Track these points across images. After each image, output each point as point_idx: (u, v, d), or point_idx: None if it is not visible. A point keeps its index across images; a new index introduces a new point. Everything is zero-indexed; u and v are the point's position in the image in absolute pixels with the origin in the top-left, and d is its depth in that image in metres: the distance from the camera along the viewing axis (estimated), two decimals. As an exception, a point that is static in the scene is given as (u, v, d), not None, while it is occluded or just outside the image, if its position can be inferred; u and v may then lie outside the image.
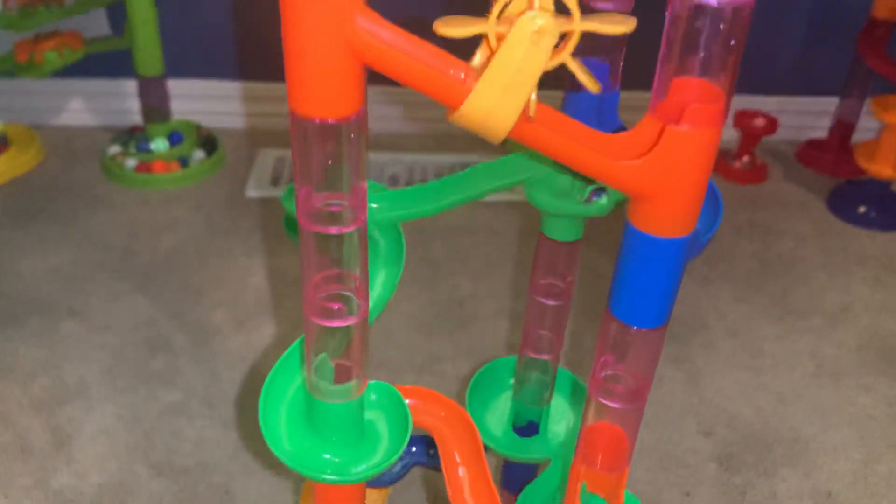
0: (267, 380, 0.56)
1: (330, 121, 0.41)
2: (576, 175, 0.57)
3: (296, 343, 0.58)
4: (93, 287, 1.30)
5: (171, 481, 1.00)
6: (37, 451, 1.02)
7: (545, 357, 0.70)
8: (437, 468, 0.79)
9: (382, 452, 0.54)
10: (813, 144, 1.74)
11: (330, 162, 0.42)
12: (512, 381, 0.77)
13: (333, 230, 0.45)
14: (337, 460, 0.53)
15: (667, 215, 0.43)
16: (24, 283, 1.30)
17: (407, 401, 0.57)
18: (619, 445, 0.52)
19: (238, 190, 1.55)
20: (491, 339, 1.22)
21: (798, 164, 1.73)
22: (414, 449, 0.79)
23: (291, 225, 0.51)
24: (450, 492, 0.58)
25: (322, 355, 0.50)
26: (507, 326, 1.25)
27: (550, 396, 0.73)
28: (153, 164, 1.55)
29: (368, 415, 0.55)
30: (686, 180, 0.42)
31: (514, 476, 0.80)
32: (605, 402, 0.50)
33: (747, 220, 1.54)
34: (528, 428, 0.76)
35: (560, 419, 0.76)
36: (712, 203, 0.54)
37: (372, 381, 0.56)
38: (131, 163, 1.55)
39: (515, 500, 0.80)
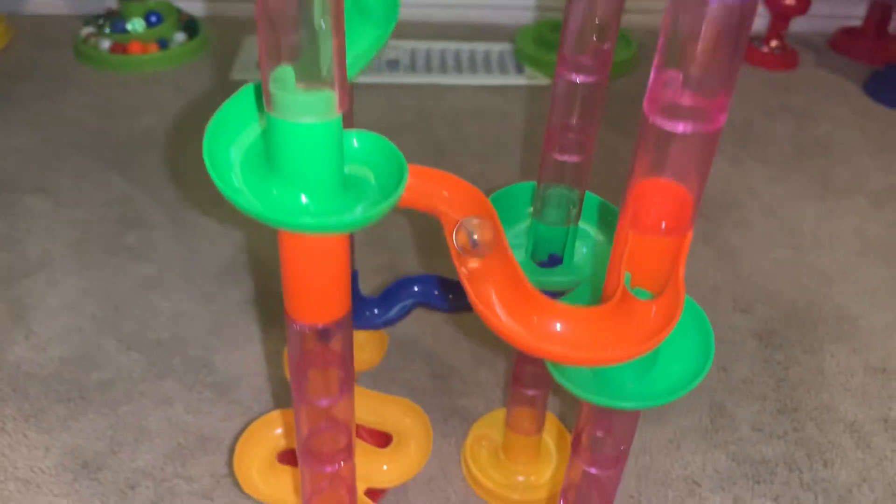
0: (213, 121, 0.43)
1: None
2: None
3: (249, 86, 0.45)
4: (62, 165, 1.17)
5: (141, 355, 0.88)
6: (-9, 324, 0.90)
7: (574, 158, 0.57)
8: (444, 309, 0.67)
9: (373, 200, 0.41)
10: (847, 32, 1.61)
11: None
12: (530, 209, 0.65)
13: None
14: (313, 206, 0.40)
15: None
16: (-16, 161, 1.18)
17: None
18: (681, 200, 0.39)
19: (223, 73, 1.42)
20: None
21: (831, 52, 1.59)
22: (416, 288, 0.67)
23: None
24: (471, 294, 0.46)
25: (285, 67, 0.38)
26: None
27: (578, 214, 0.60)
28: (129, 45, 1.41)
29: (351, 169, 0.43)
30: None
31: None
32: (668, 128, 0.38)
33: (779, 105, 1.41)
34: (549, 262, 0.64)
35: (588, 249, 0.64)
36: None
37: (352, 129, 0.44)
38: (105, 44, 1.41)
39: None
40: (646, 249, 0.40)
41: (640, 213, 0.39)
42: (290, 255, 0.42)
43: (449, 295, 0.67)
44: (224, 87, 1.38)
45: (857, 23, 1.62)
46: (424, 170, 0.47)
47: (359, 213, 0.40)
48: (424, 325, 0.94)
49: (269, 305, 0.95)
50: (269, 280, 0.99)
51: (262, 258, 1.02)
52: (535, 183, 0.64)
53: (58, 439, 0.79)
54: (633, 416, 0.51)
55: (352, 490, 0.54)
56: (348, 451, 0.50)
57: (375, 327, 0.65)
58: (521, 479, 0.77)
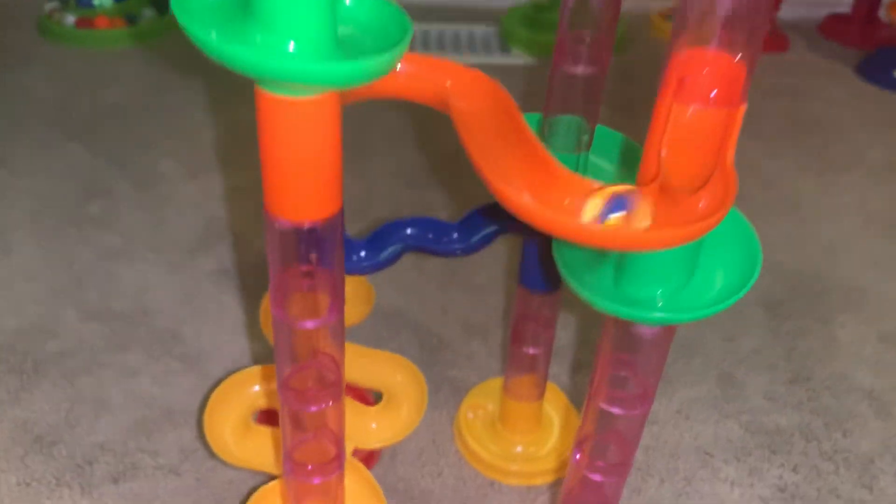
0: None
1: None
2: None
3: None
4: (20, 137, 1.10)
5: (103, 325, 0.81)
6: (-62, 295, 0.83)
7: (587, 70, 0.52)
8: (437, 252, 0.61)
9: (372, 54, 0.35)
10: (836, 18, 1.58)
11: None
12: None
13: None
14: (303, 51, 0.34)
15: None
16: (-63, 133, 1.10)
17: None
18: (731, 71, 0.34)
19: (195, 51, 1.35)
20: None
21: (820, 37, 1.56)
22: (409, 231, 0.61)
23: None
24: (489, 177, 0.39)
25: None
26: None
27: (590, 140, 0.55)
28: (95, 20, 1.34)
29: (344, 31, 0.37)
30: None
31: (533, 267, 0.62)
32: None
33: (771, 85, 1.37)
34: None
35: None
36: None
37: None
38: (70, 19, 1.34)
39: (532, 296, 0.62)
40: (690, 125, 0.34)
41: (686, 82, 0.34)
42: (272, 127, 0.36)
43: (444, 238, 0.61)
44: (199, 63, 1.31)
45: (845, 10, 1.60)
46: (425, 58, 0.41)
47: (357, 64, 0.33)
48: (410, 296, 0.87)
49: (245, 277, 0.88)
50: (245, 252, 0.92)
51: (237, 230, 0.95)
52: (540, 115, 0.59)
53: (7, 412, 0.71)
54: (659, 353, 0.45)
55: (339, 442, 0.47)
56: (336, 390, 0.44)
57: (363, 272, 0.58)
58: (519, 449, 0.70)
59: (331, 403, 0.44)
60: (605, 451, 0.49)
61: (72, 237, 0.92)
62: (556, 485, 0.69)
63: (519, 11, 1.50)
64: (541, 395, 0.69)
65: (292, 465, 0.47)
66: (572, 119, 0.54)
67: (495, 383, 0.77)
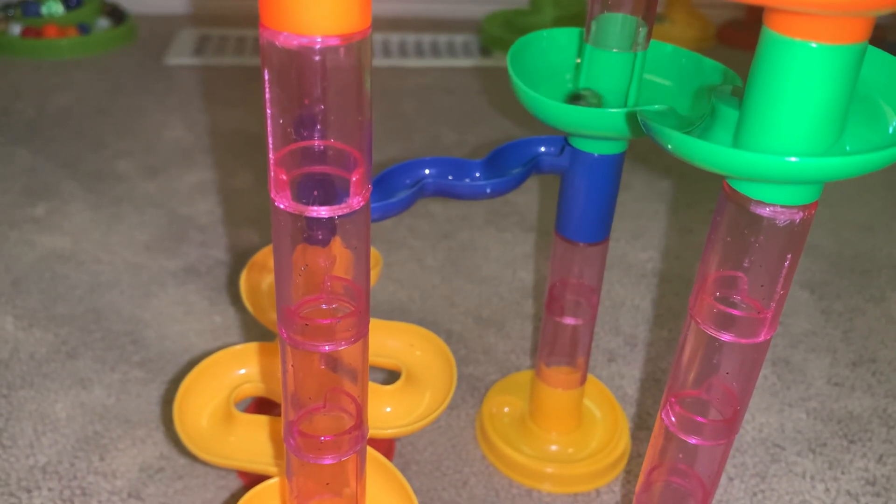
0: None
1: None
2: None
3: None
4: (-46, 143, 0.97)
5: (46, 332, 0.68)
6: None
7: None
8: (460, 194, 0.50)
9: None
10: (730, 25, 1.49)
11: None
12: (577, 59, 0.49)
13: None
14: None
15: None
16: None
17: None
18: None
19: (153, 61, 1.24)
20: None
21: (721, 46, 1.47)
22: (424, 170, 0.50)
23: None
24: None
25: None
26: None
27: (648, 37, 0.45)
28: (44, 29, 1.23)
29: None
30: None
31: (577, 208, 0.51)
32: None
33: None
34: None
35: (655, 94, 0.48)
36: None
37: None
38: (16, 29, 1.23)
39: (573, 248, 0.51)
40: None
41: None
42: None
43: (466, 177, 0.50)
44: (157, 71, 1.20)
45: (740, 13, 1.51)
46: None
47: None
48: (412, 290, 0.76)
49: (215, 274, 0.76)
50: (214, 248, 0.79)
51: (202, 224, 0.83)
52: (579, 29, 0.49)
53: (-77, 433, 0.58)
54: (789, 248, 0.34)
55: (359, 409, 0.35)
56: (360, 322, 0.32)
57: (385, 215, 0.47)
58: (554, 448, 0.58)
59: (351, 342, 0.32)
60: (706, 406, 0.37)
61: (10, 240, 0.79)
62: (606, 492, 0.57)
63: (500, 16, 1.43)
64: (582, 381, 0.57)
65: (296, 442, 0.35)
66: (627, 17, 0.44)
67: (521, 377, 0.65)
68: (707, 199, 0.93)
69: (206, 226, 0.83)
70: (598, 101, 0.46)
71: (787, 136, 0.29)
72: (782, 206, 0.31)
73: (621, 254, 0.83)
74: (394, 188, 0.49)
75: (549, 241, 0.84)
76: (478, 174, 0.50)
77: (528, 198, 0.92)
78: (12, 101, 1.08)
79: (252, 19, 1.43)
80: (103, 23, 1.28)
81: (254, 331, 0.69)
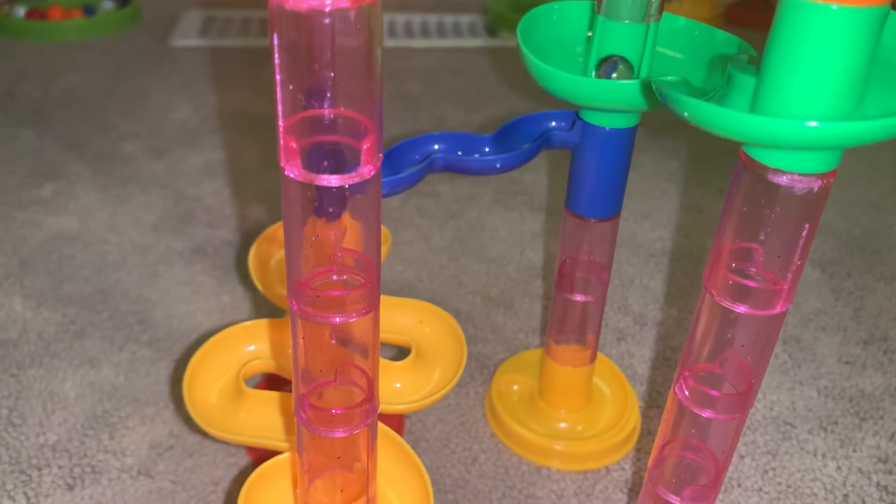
0: None
1: None
2: None
3: None
4: (-41, 125, 0.97)
5: (55, 312, 0.68)
6: None
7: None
8: (470, 170, 0.49)
9: None
10: (739, 5, 1.48)
11: None
12: (589, 32, 0.49)
13: None
14: None
15: None
16: None
17: None
18: None
19: (158, 43, 1.24)
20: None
21: (729, 25, 1.46)
22: (432, 145, 0.49)
23: None
24: None
25: None
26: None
27: (661, 8, 0.44)
28: (48, 11, 1.22)
29: None
30: None
31: (588, 183, 0.50)
32: None
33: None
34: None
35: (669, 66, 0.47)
36: None
37: None
38: (20, 11, 1.22)
39: (584, 224, 0.51)
40: None
41: None
42: None
43: (475, 152, 0.49)
44: (162, 53, 1.19)
45: None
46: None
47: None
48: (420, 269, 0.75)
49: (223, 254, 0.76)
50: (222, 229, 0.79)
51: (209, 205, 0.83)
52: (590, 1, 0.48)
53: (-67, 411, 0.58)
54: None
55: (370, 382, 0.35)
56: (371, 293, 0.31)
57: (394, 190, 0.47)
58: (563, 425, 0.58)
59: (361, 314, 0.31)
60: (720, 380, 0.37)
61: (17, 220, 0.79)
62: (616, 469, 0.57)
63: (505, -4, 1.41)
64: (592, 359, 0.57)
65: (307, 416, 0.35)
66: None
67: (530, 356, 0.65)
68: (717, 179, 0.93)
69: (213, 206, 0.83)
70: (628, 70, 0.45)
71: (807, 102, 0.28)
72: (800, 175, 0.30)
73: (630, 233, 0.82)
74: (403, 164, 0.49)
75: (557, 220, 0.84)
76: (487, 149, 0.49)
77: (536, 177, 0.91)
78: (18, 83, 1.08)
79: (257, 0, 1.42)
80: (108, 4, 1.27)
81: (262, 310, 0.69)
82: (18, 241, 0.76)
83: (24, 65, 1.14)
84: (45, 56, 1.17)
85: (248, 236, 0.79)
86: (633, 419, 0.59)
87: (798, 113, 0.28)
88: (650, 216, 0.85)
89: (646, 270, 0.77)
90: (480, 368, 0.65)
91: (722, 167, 0.95)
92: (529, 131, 0.50)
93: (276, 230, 0.52)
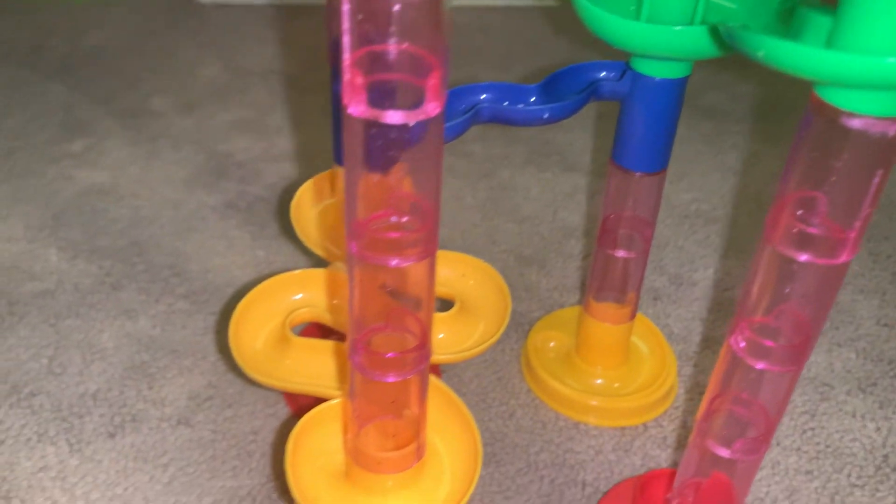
0: None
1: None
2: None
3: None
4: (-12, 79, 0.97)
5: (90, 263, 0.68)
6: None
7: None
8: (516, 120, 0.49)
9: None
10: None
11: None
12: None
13: None
14: None
15: None
16: None
17: None
18: None
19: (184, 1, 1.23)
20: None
21: None
22: (477, 96, 0.49)
23: None
24: None
25: None
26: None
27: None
28: (73, -34, 1.21)
29: None
30: None
31: (636, 136, 0.50)
32: None
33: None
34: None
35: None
36: None
37: None
38: (45, -34, 1.21)
39: (630, 177, 0.50)
40: None
41: None
42: None
43: (521, 102, 0.48)
44: (189, 10, 1.18)
45: None
46: None
47: None
48: (453, 228, 0.75)
49: (256, 210, 0.76)
50: (254, 185, 0.79)
51: (240, 161, 0.82)
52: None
53: (-25, 359, 0.58)
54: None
55: (423, 333, 0.34)
56: (428, 238, 0.31)
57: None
58: (599, 381, 0.58)
59: (418, 258, 0.31)
60: (777, 333, 0.36)
61: (49, 175, 0.79)
62: (654, 426, 0.57)
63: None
64: (631, 316, 0.57)
65: (361, 359, 0.34)
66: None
67: (566, 313, 0.64)
68: (752, 141, 0.91)
69: (244, 162, 0.82)
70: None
71: (889, 38, 0.27)
72: (875, 118, 0.30)
73: (665, 194, 0.81)
74: (448, 114, 0.48)
75: (590, 181, 0.83)
76: (533, 99, 0.49)
77: (570, 137, 0.90)
78: (45, 38, 1.08)
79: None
80: (132, -40, 1.26)
81: (299, 265, 0.69)
82: (51, 194, 0.76)
83: (50, 20, 1.13)
84: (72, 13, 1.16)
85: (280, 193, 0.78)
86: (671, 378, 0.58)
87: (882, 49, 0.28)
88: (684, 178, 0.84)
89: (680, 231, 0.76)
90: (515, 326, 0.64)
91: (756, 130, 0.94)
92: (577, 81, 0.49)
93: (320, 180, 0.52)
